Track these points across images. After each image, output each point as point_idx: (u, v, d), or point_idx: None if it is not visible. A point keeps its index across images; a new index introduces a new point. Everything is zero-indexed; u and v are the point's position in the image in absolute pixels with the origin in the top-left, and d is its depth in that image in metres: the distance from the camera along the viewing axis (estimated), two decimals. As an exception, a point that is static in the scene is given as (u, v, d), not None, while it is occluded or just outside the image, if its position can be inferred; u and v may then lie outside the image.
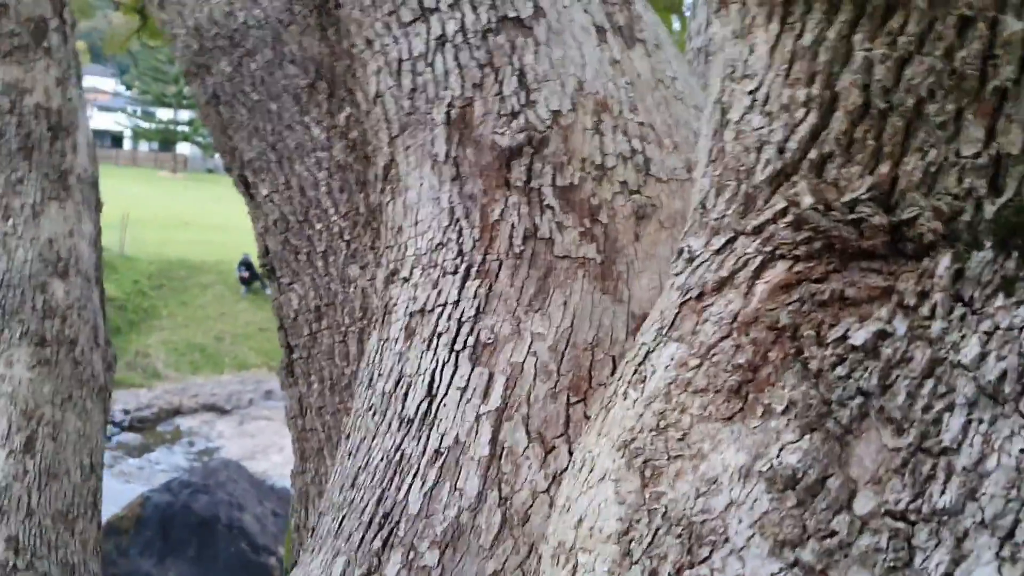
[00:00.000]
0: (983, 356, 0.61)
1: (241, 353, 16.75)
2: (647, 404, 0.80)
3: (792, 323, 0.70)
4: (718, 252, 0.77)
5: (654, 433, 0.77)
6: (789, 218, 0.71)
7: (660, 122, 1.32)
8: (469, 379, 1.16)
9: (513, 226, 1.22)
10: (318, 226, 1.51)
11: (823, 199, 0.68)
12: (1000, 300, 0.62)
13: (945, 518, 0.59)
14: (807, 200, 0.69)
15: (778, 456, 0.66)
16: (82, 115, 2.38)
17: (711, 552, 0.67)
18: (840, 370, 0.65)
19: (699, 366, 0.75)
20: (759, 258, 0.74)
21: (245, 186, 1.58)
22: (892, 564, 0.60)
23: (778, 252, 0.73)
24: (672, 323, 0.80)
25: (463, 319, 1.19)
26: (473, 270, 1.21)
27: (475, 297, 1.20)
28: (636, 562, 0.74)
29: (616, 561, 0.76)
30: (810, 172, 0.69)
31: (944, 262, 0.63)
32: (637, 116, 1.29)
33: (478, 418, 1.13)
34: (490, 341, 1.17)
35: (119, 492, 10.21)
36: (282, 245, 1.54)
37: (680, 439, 0.75)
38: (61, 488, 1.98)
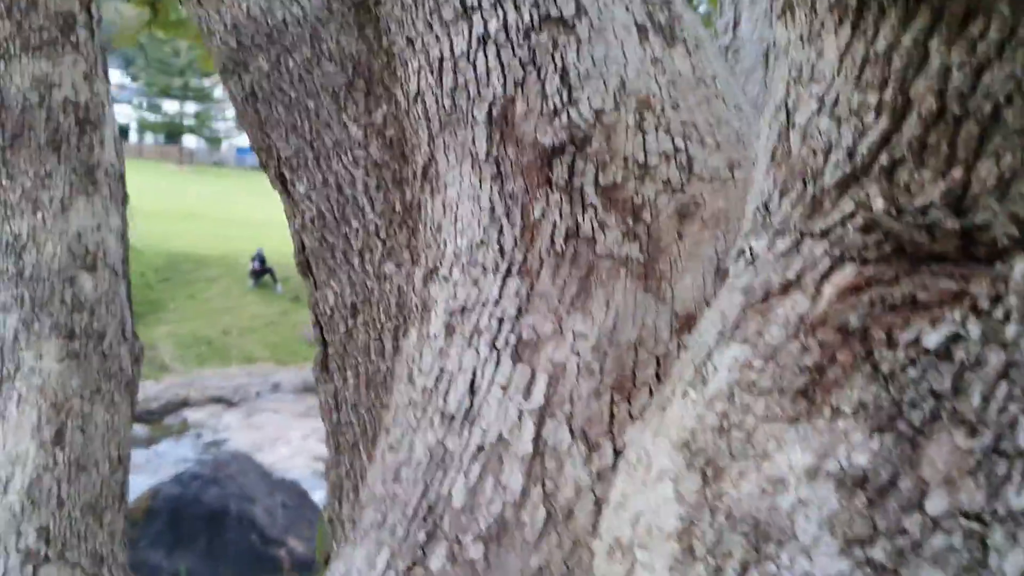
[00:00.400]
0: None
1: (248, 346, 16.79)
2: (709, 405, 0.81)
3: (862, 325, 0.71)
4: (783, 254, 0.78)
5: (716, 433, 0.78)
6: (859, 221, 0.72)
7: (702, 120, 1.32)
8: (511, 377, 1.16)
9: (555, 225, 1.23)
10: (354, 224, 1.52)
11: (895, 203, 0.69)
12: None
13: (1021, 519, 0.60)
14: (879, 204, 0.70)
15: (847, 456, 0.67)
16: (108, 109, 2.39)
17: (778, 549, 0.68)
18: (912, 372, 0.66)
19: (764, 368, 0.76)
20: (827, 261, 0.74)
21: (282, 183, 1.59)
22: (966, 564, 0.61)
23: (847, 255, 0.73)
24: (735, 324, 0.80)
25: (504, 317, 1.20)
26: (514, 269, 1.22)
27: (516, 296, 1.21)
28: (699, 559, 0.75)
29: (678, 559, 0.76)
30: (880, 176, 0.70)
31: (1020, 266, 0.64)
32: (679, 114, 1.30)
33: (520, 415, 1.14)
34: (532, 339, 1.18)
35: (127, 484, 10.23)
36: (319, 242, 1.55)
37: (744, 439, 0.76)
38: (90, 480, 2.00)
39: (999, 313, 0.64)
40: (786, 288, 0.77)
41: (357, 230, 1.52)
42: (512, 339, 1.19)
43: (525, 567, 1.08)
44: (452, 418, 1.18)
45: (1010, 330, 0.63)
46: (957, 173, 0.67)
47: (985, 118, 0.65)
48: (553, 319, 1.19)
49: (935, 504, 0.62)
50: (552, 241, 1.22)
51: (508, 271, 1.23)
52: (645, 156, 1.26)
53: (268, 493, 8.09)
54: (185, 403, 14.80)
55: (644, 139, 1.27)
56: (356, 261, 1.52)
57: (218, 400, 14.91)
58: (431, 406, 1.21)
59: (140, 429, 14.00)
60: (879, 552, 0.63)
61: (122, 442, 2.13)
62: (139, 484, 9.59)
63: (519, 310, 1.20)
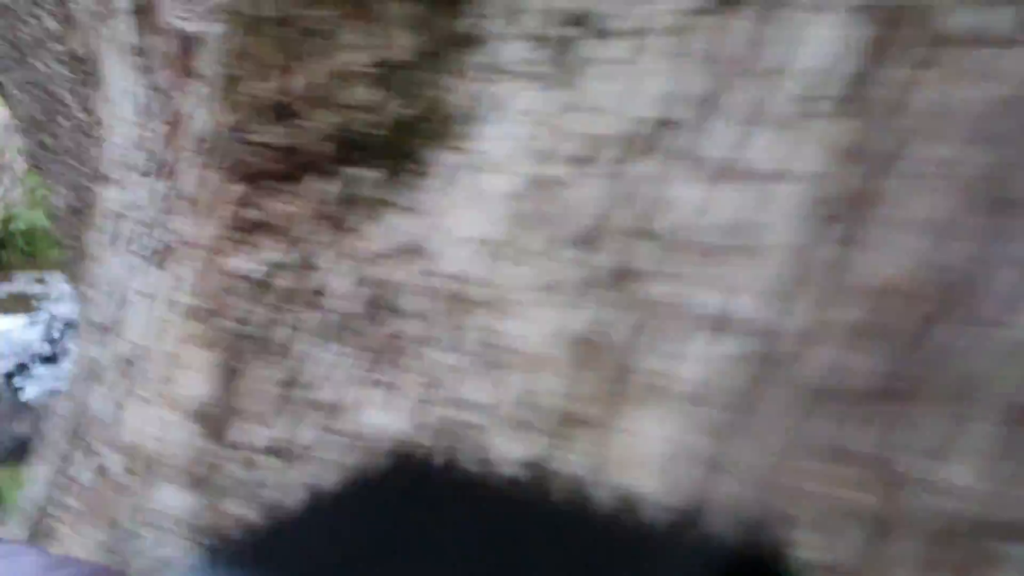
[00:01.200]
0: (339, 284, 0.57)
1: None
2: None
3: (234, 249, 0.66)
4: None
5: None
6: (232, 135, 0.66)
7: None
8: (153, 285, 1.13)
9: (199, 121, 1.16)
10: (65, 124, 1.45)
11: (232, 116, 0.63)
12: (366, 223, 0.57)
13: (307, 454, 0.58)
14: (219, 119, 0.63)
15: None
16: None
17: (144, 482, 0.67)
18: (241, 301, 0.62)
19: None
20: (223, 175, 0.69)
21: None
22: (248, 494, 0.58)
23: (236, 170, 0.68)
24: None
25: (150, 223, 1.16)
26: (161, 170, 1.17)
27: (162, 199, 1.16)
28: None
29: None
30: (218, 85, 0.63)
31: (320, 181, 0.58)
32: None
33: (160, 325, 1.12)
34: (173, 246, 1.14)
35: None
36: (38, 145, 1.50)
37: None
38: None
39: (300, 232, 0.59)
40: (196, 203, 0.72)
41: (69, 130, 1.46)
42: (157, 245, 1.15)
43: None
44: (105, 329, 1.16)
45: (305, 252, 0.59)
46: (282, 82, 0.60)
47: (300, 19, 0.58)
48: (195, 223, 1.14)
49: (238, 436, 0.60)
50: (198, 140, 1.16)
51: (157, 172, 1.17)
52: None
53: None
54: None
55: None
56: (72, 163, 1.46)
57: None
58: (92, 317, 1.20)
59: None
60: (208, 492, 0.62)
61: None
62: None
63: (165, 214, 1.15)
